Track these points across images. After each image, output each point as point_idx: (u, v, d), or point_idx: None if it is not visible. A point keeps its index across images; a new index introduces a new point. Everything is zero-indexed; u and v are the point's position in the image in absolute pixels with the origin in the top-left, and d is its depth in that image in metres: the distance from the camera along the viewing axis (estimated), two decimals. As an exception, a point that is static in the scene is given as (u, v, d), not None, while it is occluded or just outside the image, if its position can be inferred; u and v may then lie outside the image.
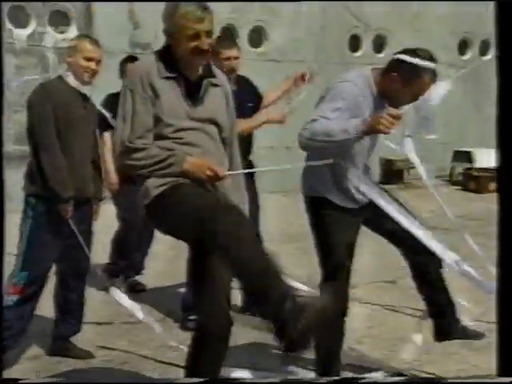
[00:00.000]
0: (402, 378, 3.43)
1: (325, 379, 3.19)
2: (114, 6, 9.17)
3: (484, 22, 11.16)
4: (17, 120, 8.80)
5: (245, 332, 4.01)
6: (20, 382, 2.74)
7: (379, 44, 11.68)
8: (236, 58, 4.33)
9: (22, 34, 8.82)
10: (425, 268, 3.42)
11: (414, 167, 12.77)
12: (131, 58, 5.13)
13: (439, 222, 6.45)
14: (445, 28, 11.94)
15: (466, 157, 11.50)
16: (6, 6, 8.59)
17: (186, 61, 2.81)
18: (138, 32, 9.42)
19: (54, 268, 3.87)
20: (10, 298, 3.63)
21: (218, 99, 2.91)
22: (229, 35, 4.64)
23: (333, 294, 2.84)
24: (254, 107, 4.48)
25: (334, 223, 3.26)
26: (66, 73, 3.78)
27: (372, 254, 5.36)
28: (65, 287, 3.90)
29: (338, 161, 3.11)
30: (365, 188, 3.24)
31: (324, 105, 3.08)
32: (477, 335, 3.54)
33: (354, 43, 11.48)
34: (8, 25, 8.69)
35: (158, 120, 2.78)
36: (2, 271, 2.60)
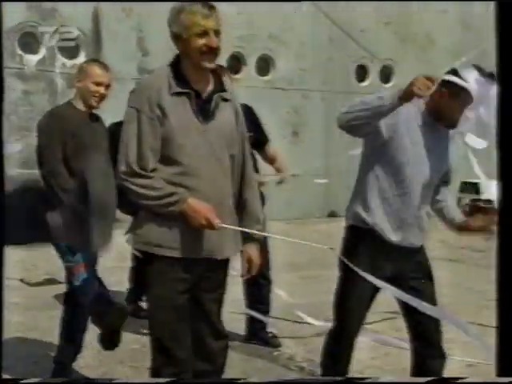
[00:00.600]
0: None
1: (325, 379, 3.15)
2: (123, 33, 9.27)
3: (490, 54, 11.22)
4: (23, 144, 8.85)
5: (250, 362, 3.98)
6: (20, 382, 2.72)
7: (386, 74, 11.74)
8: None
9: (31, 59, 8.91)
10: (429, 362, 3.30)
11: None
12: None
13: (448, 253, 6.46)
14: (451, 59, 11.99)
15: (474, 188, 11.45)
16: (18, 33, 8.69)
17: (195, 68, 2.76)
18: (147, 58, 9.50)
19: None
20: (79, 278, 3.64)
21: (228, 114, 2.86)
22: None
23: None
24: (254, 137, 4.37)
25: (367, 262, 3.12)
26: (75, 98, 3.79)
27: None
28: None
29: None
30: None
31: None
32: None
33: (361, 73, 11.54)
34: (18, 50, 8.79)
35: (166, 140, 2.73)
36: (1, 272, 2.57)
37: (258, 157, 4.69)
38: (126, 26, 9.36)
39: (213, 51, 2.74)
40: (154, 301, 2.84)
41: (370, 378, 3.26)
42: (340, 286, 3.26)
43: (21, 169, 8.48)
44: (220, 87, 2.85)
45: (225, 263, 2.94)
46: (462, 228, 3.35)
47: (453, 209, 3.42)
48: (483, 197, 11.16)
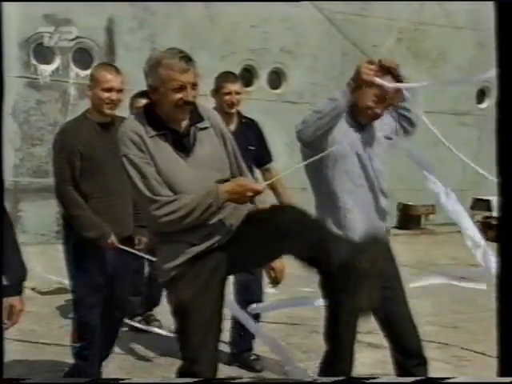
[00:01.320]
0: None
1: (325, 379, 3.13)
2: (136, 44, 9.34)
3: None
4: (34, 153, 8.91)
5: (259, 375, 3.96)
6: (20, 382, 2.71)
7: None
8: (237, 93, 4.27)
9: (46, 69, 8.98)
10: (410, 370, 3.31)
11: (432, 213, 12.68)
12: (142, 94, 5.07)
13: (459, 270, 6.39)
14: (463, 76, 11.98)
15: (486, 205, 11.40)
16: (32, 44, 8.78)
17: (171, 114, 2.78)
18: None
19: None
20: (74, 348, 3.71)
21: (209, 142, 2.87)
22: (231, 72, 4.57)
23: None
24: (255, 151, 4.35)
25: None
26: (89, 108, 3.67)
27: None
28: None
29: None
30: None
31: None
32: None
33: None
34: (32, 60, 8.87)
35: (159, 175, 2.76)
36: (1, 272, 2.57)
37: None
38: (138, 37, 9.43)
39: (188, 105, 2.78)
40: (180, 311, 2.82)
41: (375, 378, 3.27)
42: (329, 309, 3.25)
43: (31, 178, 8.54)
44: (196, 118, 2.86)
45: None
46: None
47: None
48: (495, 214, 11.11)
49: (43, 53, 8.94)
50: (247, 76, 10.14)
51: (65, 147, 3.58)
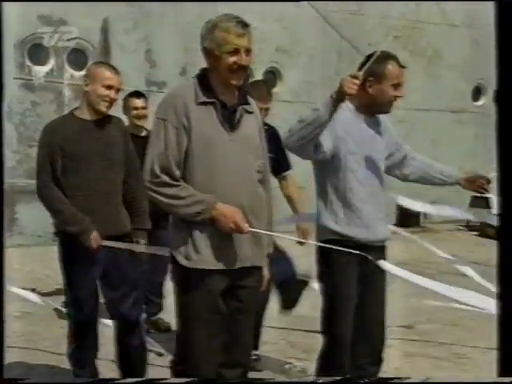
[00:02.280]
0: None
1: (325, 379, 3.15)
2: (131, 45, 9.32)
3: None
4: (30, 155, 8.88)
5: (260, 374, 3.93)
6: (20, 381, 2.71)
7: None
8: (266, 109, 4.30)
9: (40, 70, 8.96)
10: (363, 364, 3.37)
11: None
12: (136, 94, 5.05)
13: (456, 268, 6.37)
14: (459, 74, 12.00)
15: (484, 202, 11.37)
16: (27, 45, 8.76)
17: (223, 83, 2.81)
18: (154, 70, 9.54)
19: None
20: (69, 349, 3.68)
21: (252, 126, 2.91)
22: (264, 87, 4.55)
23: None
24: (274, 159, 4.34)
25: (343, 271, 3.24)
26: (80, 106, 3.61)
27: (388, 299, 5.30)
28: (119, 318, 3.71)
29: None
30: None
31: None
32: None
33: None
34: (27, 62, 8.85)
35: (193, 149, 2.76)
36: (2, 273, 2.56)
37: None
38: (133, 39, 9.41)
39: (242, 69, 2.79)
40: (185, 313, 2.84)
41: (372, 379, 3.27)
42: (327, 302, 3.31)
43: (28, 179, 8.51)
44: (244, 100, 2.90)
45: (257, 273, 2.94)
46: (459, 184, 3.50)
47: (441, 167, 3.57)
48: (494, 211, 11.08)
49: (38, 54, 8.92)
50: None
51: (46, 143, 3.54)
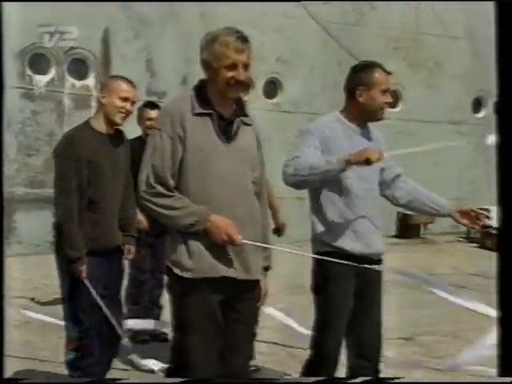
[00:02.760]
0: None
1: (326, 379, 3.14)
2: (131, 55, 9.33)
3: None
4: (30, 164, 8.88)
5: None
6: (20, 382, 2.70)
7: (394, 99, 11.74)
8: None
9: (41, 79, 8.97)
10: (357, 370, 3.34)
11: (431, 222, 12.69)
12: (150, 105, 5.12)
13: (460, 280, 6.35)
14: (459, 86, 12.02)
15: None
16: (28, 54, 8.77)
17: (220, 96, 2.81)
18: (155, 80, 9.55)
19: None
20: (69, 356, 3.64)
21: (249, 138, 2.90)
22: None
23: None
24: None
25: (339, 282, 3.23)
26: (95, 117, 3.66)
27: (388, 310, 5.27)
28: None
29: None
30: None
31: (300, 144, 3.24)
32: None
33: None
34: (28, 71, 8.86)
35: (187, 162, 2.76)
36: (2, 282, 2.56)
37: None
38: (134, 48, 9.42)
39: (240, 84, 2.79)
40: (182, 323, 2.82)
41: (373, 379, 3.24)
42: (319, 314, 3.31)
43: (27, 188, 8.50)
44: (242, 112, 2.89)
45: (253, 285, 2.92)
46: (451, 216, 3.45)
47: (434, 196, 3.52)
48: (494, 223, 11.05)
49: (38, 63, 8.93)
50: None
51: (72, 155, 3.51)
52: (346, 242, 3.24)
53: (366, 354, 3.33)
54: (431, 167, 10.80)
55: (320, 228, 3.28)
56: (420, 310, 5.22)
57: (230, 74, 2.75)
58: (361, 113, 3.33)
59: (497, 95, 2.50)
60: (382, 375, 3.40)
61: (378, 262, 3.37)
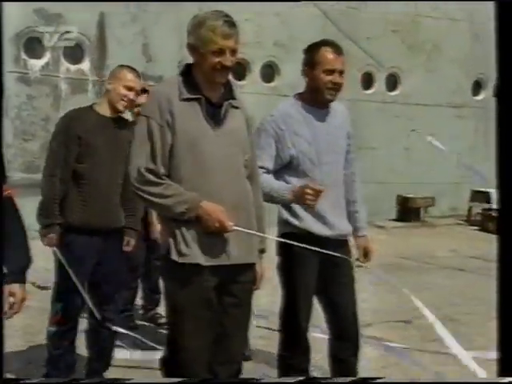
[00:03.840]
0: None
1: (325, 379, 3.16)
2: (127, 39, 9.26)
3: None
4: (27, 148, 8.84)
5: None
6: (20, 382, 2.70)
7: (392, 82, 11.68)
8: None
9: (36, 64, 8.90)
10: (343, 354, 3.43)
11: (431, 205, 12.74)
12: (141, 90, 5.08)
13: (458, 262, 6.34)
14: (459, 69, 11.95)
15: (485, 197, 11.36)
16: (23, 38, 8.70)
17: (207, 80, 2.77)
18: (151, 64, 9.47)
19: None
20: (50, 328, 3.74)
21: (239, 121, 2.87)
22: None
23: None
24: None
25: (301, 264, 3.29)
26: (100, 102, 3.78)
27: (387, 293, 5.26)
28: (96, 321, 3.82)
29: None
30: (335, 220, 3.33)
31: (255, 144, 3.10)
32: None
33: (368, 81, 11.48)
34: (22, 55, 8.79)
35: (176, 148, 2.73)
36: (1, 270, 2.53)
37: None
38: (130, 32, 9.34)
39: (226, 69, 2.75)
40: (176, 309, 2.81)
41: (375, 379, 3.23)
42: (285, 294, 3.37)
43: (24, 173, 8.47)
44: (230, 95, 2.85)
45: (248, 269, 2.90)
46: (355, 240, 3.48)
47: (358, 217, 3.51)
48: (494, 206, 11.06)
49: (33, 47, 8.86)
50: (240, 70, 10.07)
51: (63, 130, 3.66)
52: (308, 224, 3.28)
53: (345, 335, 3.40)
54: (430, 150, 10.78)
55: (283, 210, 3.33)
56: (420, 293, 5.22)
57: (217, 59, 2.71)
58: (309, 93, 3.33)
59: (497, 78, 2.48)
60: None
61: (344, 243, 3.40)
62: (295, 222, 3.29)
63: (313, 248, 3.14)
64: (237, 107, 2.87)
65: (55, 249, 3.64)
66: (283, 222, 3.33)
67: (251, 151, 2.93)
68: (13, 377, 3.65)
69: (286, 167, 3.30)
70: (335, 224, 3.32)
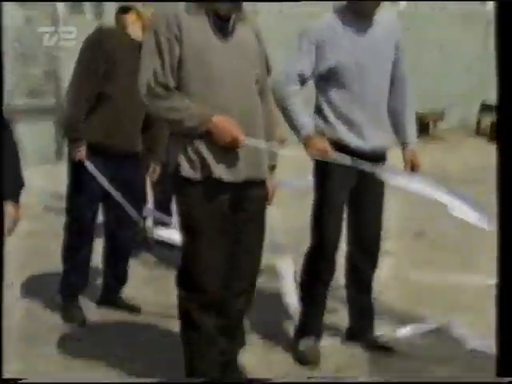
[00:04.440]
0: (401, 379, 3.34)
1: (325, 379, 3.21)
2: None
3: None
4: (30, 74, 8.71)
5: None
6: (20, 382, 2.73)
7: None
8: None
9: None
10: (361, 266, 3.50)
11: (441, 119, 12.63)
12: (123, 10, 4.94)
13: (469, 175, 6.32)
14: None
15: (494, 110, 11.21)
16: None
17: None
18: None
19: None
20: (64, 244, 3.85)
21: (248, 34, 2.85)
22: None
23: None
24: None
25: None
26: (132, 25, 3.74)
27: (399, 205, 5.28)
28: (111, 239, 3.94)
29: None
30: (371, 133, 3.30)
31: (298, 53, 3.24)
32: (387, 349, 3.53)
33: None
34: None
35: (185, 61, 2.72)
36: (2, 269, 2.54)
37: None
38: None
39: None
40: (191, 224, 2.82)
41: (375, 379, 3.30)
42: (316, 204, 3.40)
43: (27, 98, 8.39)
44: (238, 8, 2.83)
45: (261, 185, 2.93)
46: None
47: (406, 129, 3.48)
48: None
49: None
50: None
51: (95, 45, 3.65)
52: (341, 134, 3.26)
53: (366, 248, 3.46)
54: (438, 60, 10.59)
55: (318, 121, 3.31)
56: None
57: None
58: (351, 5, 3.24)
59: (498, 95, 2.47)
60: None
61: (381, 157, 3.38)
62: (328, 133, 3.27)
63: (336, 158, 3.15)
64: (246, 20, 2.83)
65: (87, 162, 3.67)
66: (318, 133, 3.30)
67: (262, 67, 2.90)
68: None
69: (326, 79, 3.26)
70: (370, 136, 3.29)
